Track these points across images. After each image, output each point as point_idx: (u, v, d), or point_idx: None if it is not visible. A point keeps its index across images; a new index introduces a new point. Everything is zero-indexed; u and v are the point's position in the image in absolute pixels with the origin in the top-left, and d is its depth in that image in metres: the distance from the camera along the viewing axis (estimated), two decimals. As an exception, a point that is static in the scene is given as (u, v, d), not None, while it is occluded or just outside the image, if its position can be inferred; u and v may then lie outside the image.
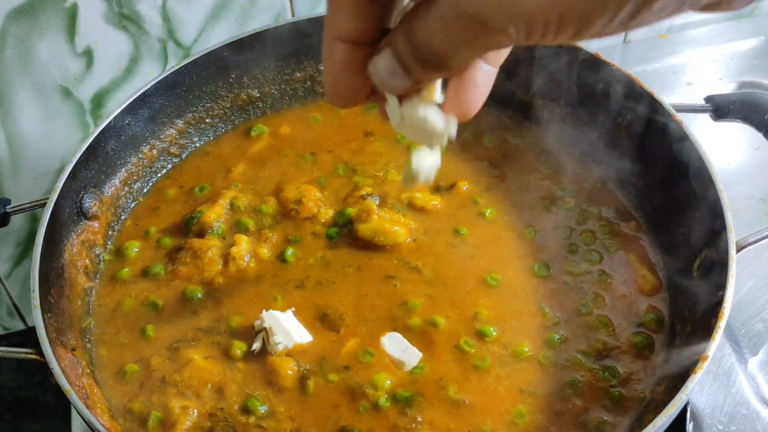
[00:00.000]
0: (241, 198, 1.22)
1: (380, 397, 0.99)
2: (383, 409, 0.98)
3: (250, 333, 1.06)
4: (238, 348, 1.04)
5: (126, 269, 1.16)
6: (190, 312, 1.10)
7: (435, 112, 0.64)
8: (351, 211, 1.18)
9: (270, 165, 1.29)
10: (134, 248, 1.18)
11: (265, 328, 1.04)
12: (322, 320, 1.08)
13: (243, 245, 1.15)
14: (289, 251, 1.15)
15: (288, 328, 1.03)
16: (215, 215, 1.19)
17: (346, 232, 1.17)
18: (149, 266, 1.15)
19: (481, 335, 1.05)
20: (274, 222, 1.20)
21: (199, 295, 1.11)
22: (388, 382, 1.00)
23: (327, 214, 1.19)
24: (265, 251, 1.16)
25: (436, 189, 1.23)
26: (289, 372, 1.01)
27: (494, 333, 1.05)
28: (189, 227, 1.19)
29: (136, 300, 1.12)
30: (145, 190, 1.27)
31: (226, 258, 1.14)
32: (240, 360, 1.04)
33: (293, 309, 1.08)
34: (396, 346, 1.03)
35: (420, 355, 1.02)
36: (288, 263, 1.14)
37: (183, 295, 1.11)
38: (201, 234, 1.18)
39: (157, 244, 1.19)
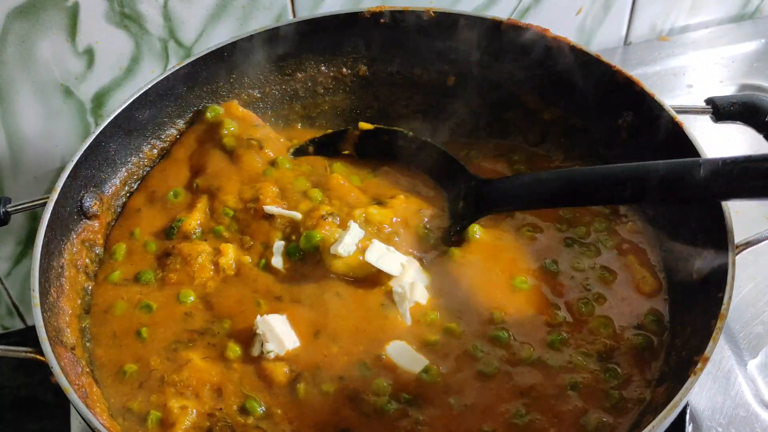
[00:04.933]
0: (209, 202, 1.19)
1: (381, 399, 0.98)
2: (384, 411, 0.98)
3: (245, 335, 1.05)
4: (232, 351, 1.03)
5: (117, 272, 1.14)
6: (184, 314, 1.09)
7: None
8: (316, 236, 1.11)
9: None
10: (122, 251, 1.17)
11: (258, 334, 1.03)
12: (312, 334, 1.05)
13: (230, 254, 1.13)
14: (274, 260, 1.12)
15: (280, 335, 1.02)
16: (194, 222, 1.17)
17: (317, 260, 1.11)
18: (140, 273, 1.13)
19: (494, 340, 1.04)
20: (240, 224, 1.17)
21: (191, 299, 1.10)
22: (387, 383, 1.00)
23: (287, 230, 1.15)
24: (249, 260, 1.13)
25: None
26: (281, 377, 1.01)
27: (505, 337, 1.04)
28: (170, 236, 1.17)
29: (129, 302, 1.11)
30: (145, 190, 1.27)
31: (217, 265, 1.12)
32: (235, 362, 1.03)
33: (285, 315, 1.06)
34: (401, 354, 1.03)
35: (426, 362, 1.02)
36: (274, 273, 1.12)
37: (176, 298, 1.10)
38: (186, 238, 1.16)
39: (143, 248, 1.17)
